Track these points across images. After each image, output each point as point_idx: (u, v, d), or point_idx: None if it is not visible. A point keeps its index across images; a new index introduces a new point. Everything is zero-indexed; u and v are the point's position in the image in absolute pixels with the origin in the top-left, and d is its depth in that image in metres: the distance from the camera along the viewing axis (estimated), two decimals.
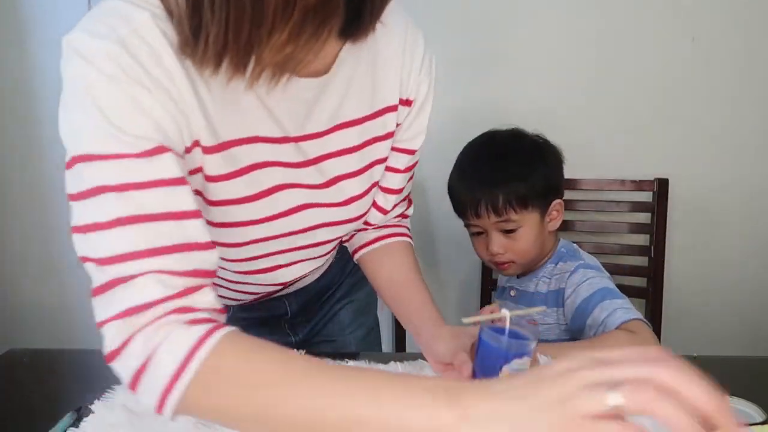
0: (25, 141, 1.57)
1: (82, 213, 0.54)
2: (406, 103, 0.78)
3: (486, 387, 0.45)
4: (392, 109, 0.77)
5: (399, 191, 0.86)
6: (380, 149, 0.79)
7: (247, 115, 0.65)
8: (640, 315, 0.91)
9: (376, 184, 0.82)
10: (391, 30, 0.72)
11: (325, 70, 0.67)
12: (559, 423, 0.40)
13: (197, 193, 0.64)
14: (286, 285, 0.89)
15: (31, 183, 1.60)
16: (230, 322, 0.57)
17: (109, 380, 0.76)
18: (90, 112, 0.54)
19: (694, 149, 1.58)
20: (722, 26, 1.50)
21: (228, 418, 0.53)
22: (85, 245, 0.54)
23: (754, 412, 0.72)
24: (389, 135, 0.79)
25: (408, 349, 1.57)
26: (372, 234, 0.91)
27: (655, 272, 1.52)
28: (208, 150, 0.63)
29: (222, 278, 0.84)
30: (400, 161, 0.83)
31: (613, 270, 1.57)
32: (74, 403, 0.73)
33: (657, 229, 1.52)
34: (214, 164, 0.64)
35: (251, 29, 0.48)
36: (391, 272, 0.89)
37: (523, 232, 1.05)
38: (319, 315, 1.03)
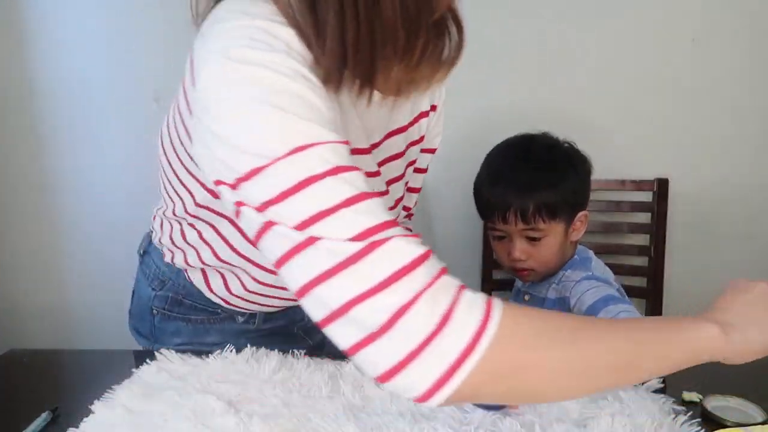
0: (25, 141, 1.57)
1: (296, 208, 0.51)
2: (433, 108, 0.87)
3: (719, 307, 0.63)
4: (425, 114, 0.85)
5: (419, 190, 0.95)
6: (414, 152, 0.85)
7: (350, 127, 0.68)
8: (641, 316, 0.91)
9: (407, 184, 0.89)
10: None
11: None
12: None
13: None
14: None
15: (31, 183, 1.60)
16: (253, 333, 0.61)
17: (109, 380, 0.76)
18: (280, 113, 0.53)
19: (694, 149, 1.58)
20: (722, 26, 1.50)
21: (532, 376, 0.52)
22: (333, 227, 0.51)
23: (754, 412, 0.72)
24: (422, 139, 0.86)
25: None
26: None
27: (655, 272, 1.53)
28: None
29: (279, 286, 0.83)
30: (425, 161, 0.91)
31: (613, 270, 1.56)
32: (74, 403, 0.73)
33: (657, 229, 1.52)
34: None
35: (377, 50, 0.55)
36: None
37: (547, 241, 1.04)
38: None
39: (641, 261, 1.57)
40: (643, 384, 0.75)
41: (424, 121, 0.84)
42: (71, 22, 1.50)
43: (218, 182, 0.56)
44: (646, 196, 1.55)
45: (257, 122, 0.53)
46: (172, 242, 0.85)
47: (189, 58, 0.61)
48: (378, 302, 0.49)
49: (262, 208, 0.52)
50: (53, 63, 1.51)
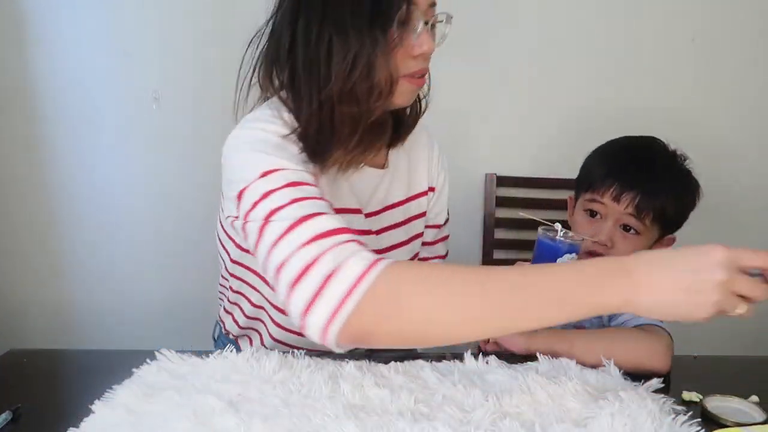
0: (25, 141, 1.57)
1: (277, 200, 0.73)
2: (431, 189, 1.05)
3: (650, 259, 0.60)
4: (424, 194, 1.03)
5: (443, 257, 1.11)
6: (418, 226, 1.04)
7: (340, 190, 0.89)
8: (662, 323, 0.91)
9: (417, 255, 1.05)
10: (415, 134, 0.98)
11: (383, 164, 0.96)
12: (721, 290, 0.57)
13: None
14: None
15: (31, 183, 1.60)
16: None
17: (109, 380, 0.76)
18: (256, 153, 0.77)
19: (694, 149, 1.58)
20: (722, 26, 1.50)
21: (416, 316, 0.63)
22: (282, 215, 0.71)
23: (754, 412, 0.72)
24: (423, 214, 1.04)
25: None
26: None
27: None
28: None
29: None
30: (429, 235, 1.07)
31: None
32: (73, 403, 0.73)
33: None
34: None
35: (331, 141, 0.80)
36: None
37: (636, 240, 1.02)
38: None
39: None
40: (643, 383, 0.76)
41: (423, 199, 1.03)
42: (71, 23, 1.50)
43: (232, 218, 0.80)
44: None
45: (244, 160, 0.78)
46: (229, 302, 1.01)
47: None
48: (306, 251, 0.66)
49: (245, 217, 0.75)
50: (53, 63, 1.51)
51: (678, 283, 0.59)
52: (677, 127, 1.57)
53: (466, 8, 1.51)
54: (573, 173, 1.53)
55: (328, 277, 0.63)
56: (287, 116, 0.81)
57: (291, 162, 0.77)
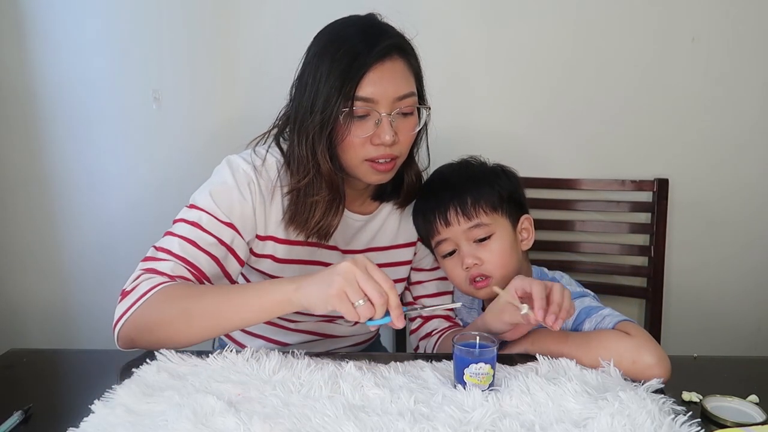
0: (25, 141, 1.57)
1: (175, 228, 0.95)
2: (421, 240, 1.14)
3: (306, 276, 0.80)
4: (411, 244, 1.15)
5: (448, 293, 1.20)
6: (401, 271, 1.15)
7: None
8: (625, 317, 0.90)
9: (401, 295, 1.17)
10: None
11: (369, 212, 1.09)
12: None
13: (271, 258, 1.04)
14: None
15: (31, 183, 1.60)
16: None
17: (109, 380, 0.76)
18: (206, 193, 0.96)
19: (694, 149, 1.58)
20: (722, 26, 1.50)
21: (163, 330, 0.84)
22: (165, 240, 0.95)
23: (754, 412, 0.72)
24: (408, 262, 1.16)
25: (408, 349, 1.57)
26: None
27: (655, 272, 1.52)
28: (280, 241, 1.02)
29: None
30: (416, 276, 1.19)
31: (613, 270, 1.57)
32: (73, 403, 0.73)
33: (657, 229, 1.52)
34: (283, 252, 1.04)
35: (307, 216, 0.98)
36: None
37: (495, 240, 1.02)
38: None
39: (641, 261, 1.57)
40: (642, 384, 0.76)
41: (409, 249, 1.14)
42: (71, 23, 1.50)
43: None
44: (646, 196, 1.55)
45: (202, 186, 0.98)
46: None
47: None
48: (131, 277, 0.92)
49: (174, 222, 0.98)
50: (53, 63, 1.51)
51: (320, 275, 0.78)
52: (678, 127, 1.57)
53: (470, 5, 1.51)
54: (574, 173, 1.54)
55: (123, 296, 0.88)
56: (271, 160, 0.99)
57: (219, 209, 0.94)
